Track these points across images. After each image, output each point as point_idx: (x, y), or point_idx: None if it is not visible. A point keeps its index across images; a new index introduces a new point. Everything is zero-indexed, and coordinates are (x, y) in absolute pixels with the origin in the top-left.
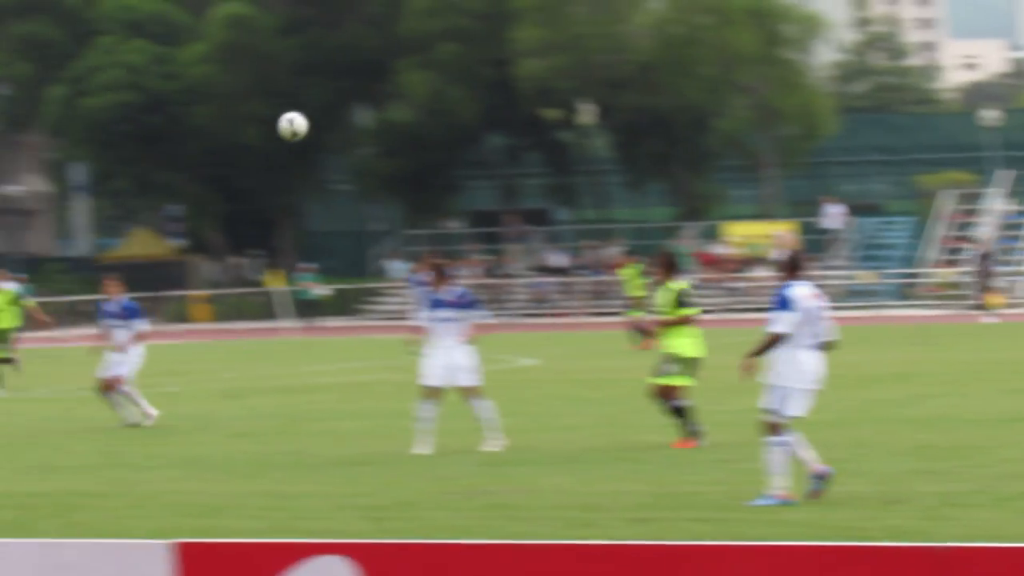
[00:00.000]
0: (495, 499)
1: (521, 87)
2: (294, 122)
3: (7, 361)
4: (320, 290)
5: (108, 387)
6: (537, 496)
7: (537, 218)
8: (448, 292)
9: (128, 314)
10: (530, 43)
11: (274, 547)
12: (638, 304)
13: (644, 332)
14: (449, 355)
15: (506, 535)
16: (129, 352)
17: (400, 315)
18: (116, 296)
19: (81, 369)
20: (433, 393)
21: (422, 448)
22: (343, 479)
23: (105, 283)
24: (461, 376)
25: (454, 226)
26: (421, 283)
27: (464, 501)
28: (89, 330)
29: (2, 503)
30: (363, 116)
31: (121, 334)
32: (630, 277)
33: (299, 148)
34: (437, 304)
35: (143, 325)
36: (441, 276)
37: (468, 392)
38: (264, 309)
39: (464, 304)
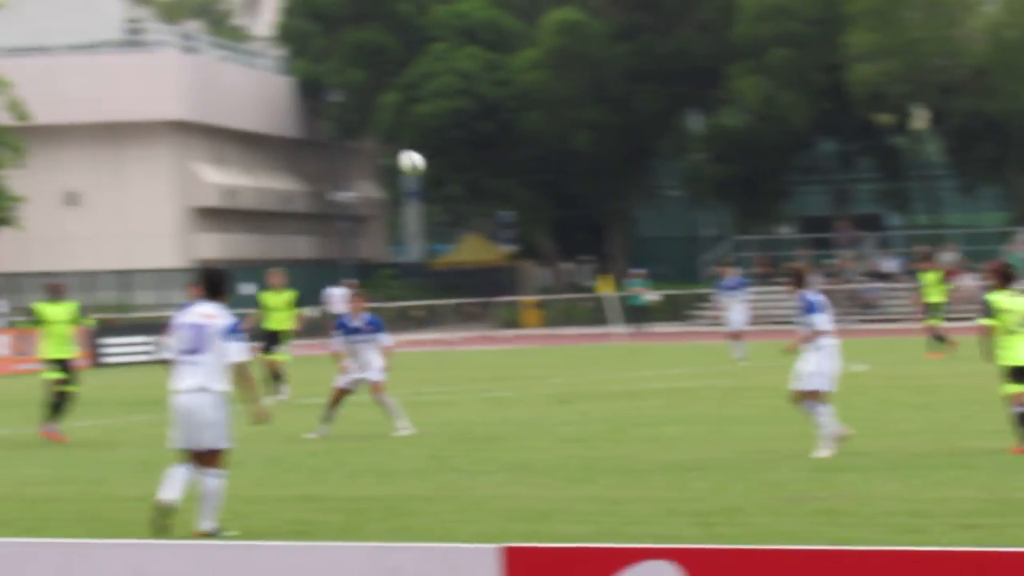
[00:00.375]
0: (822, 505)
1: (853, 92)
2: (413, 157)
3: (274, 368)
4: (650, 296)
5: (375, 390)
6: (865, 502)
7: (869, 223)
8: (814, 296)
9: (373, 329)
10: (863, 48)
11: (601, 552)
12: (936, 310)
13: (942, 340)
14: (830, 358)
15: (832, 540)
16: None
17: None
18: (360, 311)
19: (410, 374)
20: (811, 396)
21: (823, 451)
22: (670, 484)
23: (354, 299)
24: (827, 380)
25: (785, 232)
26: (730, 287)
27: (791, 507)
28: (419, 335)
29: (332, 506)
30: (694, 122)
31: (366, 349)
32: (931, 282)
33: (630, 154)
34: (811, 308)
35: (387, 340)
36: (799, 282)
37: (820, 396)
38: (594, 314)
39: (815, 308)
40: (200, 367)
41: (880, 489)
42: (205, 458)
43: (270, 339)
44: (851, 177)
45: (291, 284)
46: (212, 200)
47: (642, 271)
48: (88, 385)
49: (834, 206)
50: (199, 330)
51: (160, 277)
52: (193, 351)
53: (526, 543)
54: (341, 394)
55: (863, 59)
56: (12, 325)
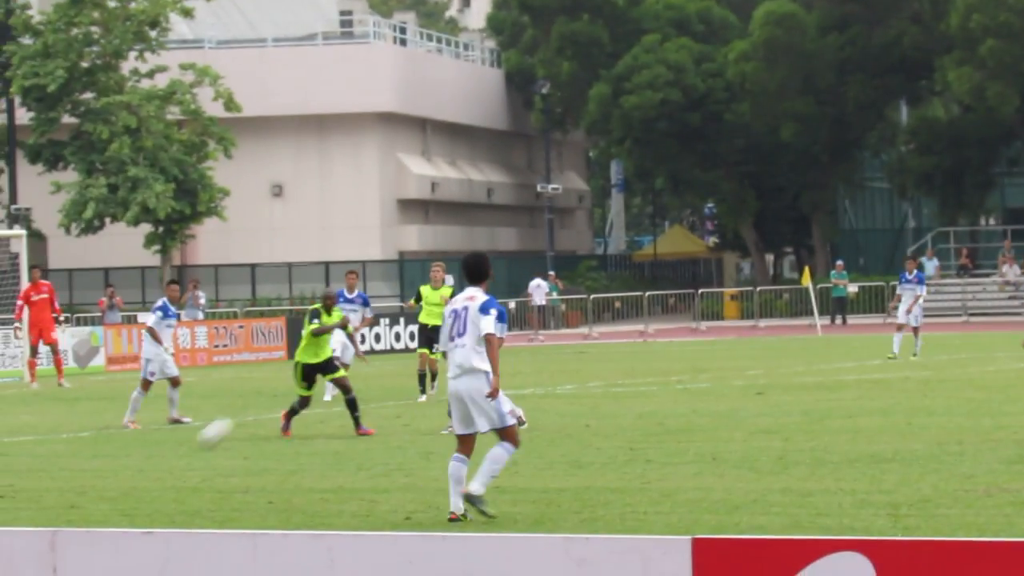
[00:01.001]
0: (1015, 497)
1: None
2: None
3: None
4: (851, 287)
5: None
6: None
7: None
8: None
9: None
10: None
11: (791, 544)
12: None
13: None
14: None
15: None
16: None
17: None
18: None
19: (610, 366)
20: None
21: None
22: (863, 476)
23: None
24: None
25: (989, 224)
26: (909, 281)
27: (983, 499)
28: (620, 327)
29: (524, 498)
30: (900, 113)
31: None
32: None
33: (837, 145)
34: None
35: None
36: None
37: None
38: (795, 306)
39: None
40: (463, 349)
41: None
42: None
43: (428, 334)
44: None
45: (495, 276)
46: (417, 192)
47: (842, 263)
48: (285, 377)
49: None
50: (461, 314)
51: (362, 269)
52: (458, 335)
53: (717, 535)
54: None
55: None
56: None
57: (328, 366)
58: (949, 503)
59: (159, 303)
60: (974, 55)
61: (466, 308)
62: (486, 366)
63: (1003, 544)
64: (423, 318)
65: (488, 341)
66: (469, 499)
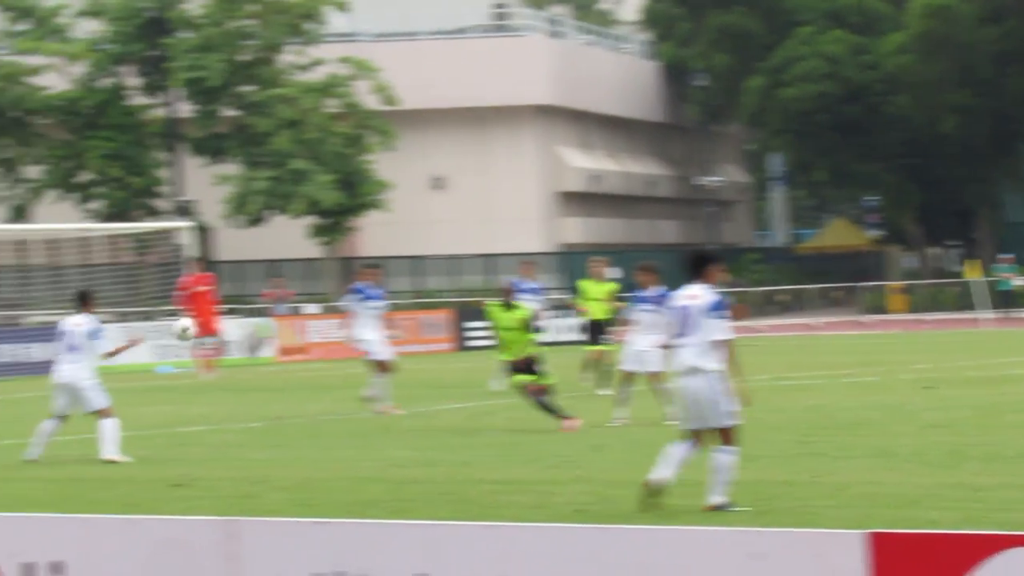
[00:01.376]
0: None
1: None
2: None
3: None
4: (1018, 281)
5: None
6: None
7: None
8: None
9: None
10: None
11: (968, 539)
12: None
13: None
14: None
15: None
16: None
17: None
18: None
19: (776, 359)
20: None
21: None
22: None
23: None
24: None
25: None
26: None
27: None
28: (784, 320)
29: (694, 491)
30: None
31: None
32: None
33: (998, 137)
34: None
35: None
36: None
37: None
38: (961, 300)
39: None
40: (690, 348)
41: None
42: (709, 437)
43: (594, 330)
44: None
45: (660, 270)
46: (576, 184)
47: (1010, 256)
48: (452, 368)
49: None
50: (685, 311)
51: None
52: (682, 333)
53: (892, 529)
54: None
55: None
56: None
57: (522, 365)
58: None
59: (354, 286)
60: None
61: (690, 307)
62: (714, 365)
63: None
64: (588, 313)
65: (722, 346)
66: (718, 509)
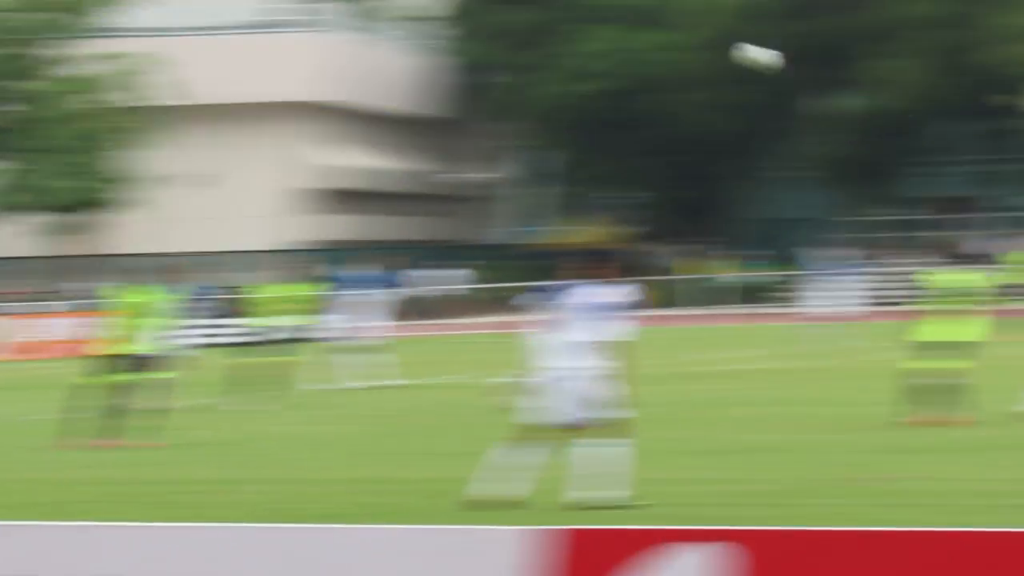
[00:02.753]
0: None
1: (990, 73)
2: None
3: None
4: (767, 277)
5: None
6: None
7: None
8: None
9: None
10: (1009, 31)
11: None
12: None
13: None
14: None
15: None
16: None
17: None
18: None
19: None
20: None
21: None
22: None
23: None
24: None
25: (895, 213)
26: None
27: (860, 488)
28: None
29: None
30: (810, 106)
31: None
32: (1016, 262)
33: (760, 136)
34: None
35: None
36: None
37: None
38: (713, 295)
39: None
40: (578, 344)
41: (952, 472)
42: (576, 432)
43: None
44: (984, 158)
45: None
46: (317, 182)
47: (762, 252)
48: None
49: (968, 187)
50: (578, 307)
51: (250, 259)
52: (573, 328)
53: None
54: None
55: (1007, 41)
56: None
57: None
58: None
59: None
60: (899, 46)
61: (588, 304)
62: (601, 361)
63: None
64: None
65: (616, 346)
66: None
